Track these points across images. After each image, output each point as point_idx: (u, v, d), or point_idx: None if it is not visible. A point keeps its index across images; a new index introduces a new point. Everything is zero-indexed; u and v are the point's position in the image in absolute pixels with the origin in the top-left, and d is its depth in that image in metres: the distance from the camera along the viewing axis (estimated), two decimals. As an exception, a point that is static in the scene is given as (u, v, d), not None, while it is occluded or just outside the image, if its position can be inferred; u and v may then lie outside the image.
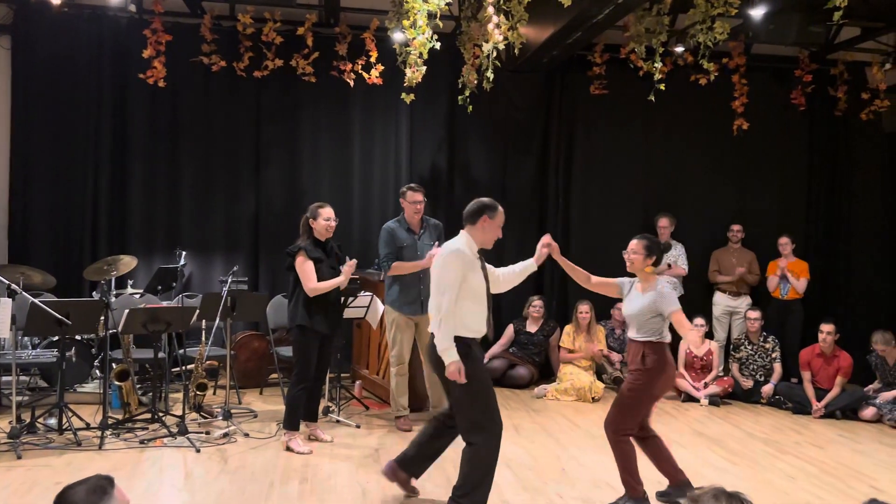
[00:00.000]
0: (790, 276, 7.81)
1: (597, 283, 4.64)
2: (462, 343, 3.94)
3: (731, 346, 7.70)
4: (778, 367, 7.32)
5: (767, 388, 7.21)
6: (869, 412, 6.75)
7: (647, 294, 4.32)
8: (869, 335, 7.04)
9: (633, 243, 4.41)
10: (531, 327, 7.73)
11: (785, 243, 7.88)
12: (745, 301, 7.93)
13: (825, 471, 5.24)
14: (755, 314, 7.41)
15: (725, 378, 7.37)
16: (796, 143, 8.60)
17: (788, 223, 8.42)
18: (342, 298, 5.60)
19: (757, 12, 6.42)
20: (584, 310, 7.48)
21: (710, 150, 8.40)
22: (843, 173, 8.65)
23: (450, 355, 3.89)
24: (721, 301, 8.03)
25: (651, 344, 4.29)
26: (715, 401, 7.17)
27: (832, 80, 8.42)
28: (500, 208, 4.30)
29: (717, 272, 8.07)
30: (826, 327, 6.99)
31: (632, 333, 4.41)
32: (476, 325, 4.06)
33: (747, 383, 7.30)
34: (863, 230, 8.66)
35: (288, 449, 5.21)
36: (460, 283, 3.97)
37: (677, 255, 7.99)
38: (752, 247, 8.15)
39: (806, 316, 7.95)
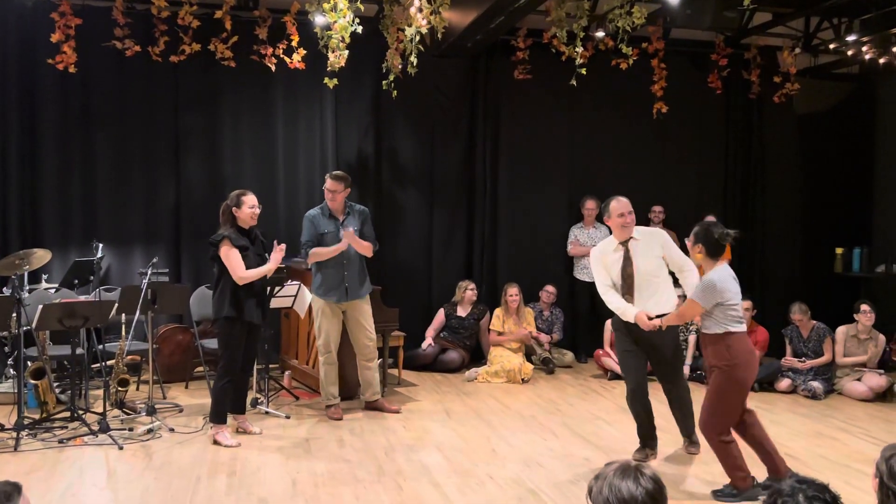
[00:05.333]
0: None
1: None
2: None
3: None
4: (693, 339, 7.54)
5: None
6: (784, 384, 7.03)
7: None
8: (783, 311, 7.33)
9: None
10: (461, 311, 7.77)
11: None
12: (668, 280, 8.15)
13: (744, 442, 5.43)
14: (677, 291, 7.63)
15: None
16: (714, 126, 8.86)
17: (707, 203, 8.68)
18: (269, 288, 5.51)
19: (673, -3, 6.55)
20: (512, 293, 7.56)
21: (631, 133, 8.56)
22: (757, 154, 8.95)
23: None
24: (644, 281, 8.22)
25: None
26: (640, 378, 7.36)
27: (746, 64, 8.68)
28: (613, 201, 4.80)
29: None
30: (744, 303, 7.21)
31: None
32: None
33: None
34: (776, 209, 8.99)
35: (215, 443, 5.12)
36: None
37: (602, 237, 8.12)
38: (673, 227, 8.36)
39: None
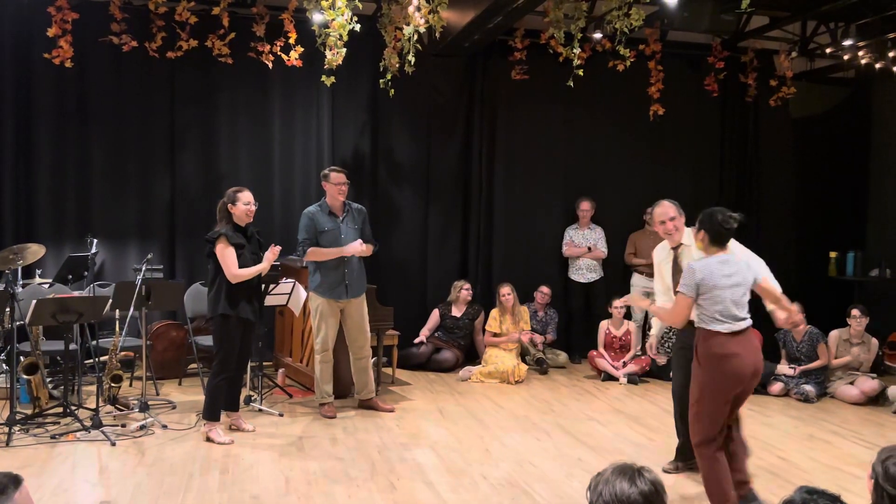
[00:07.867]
0: None
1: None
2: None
3: (647, 326, 7.93)
4: None
5: None
6: (776, 387, 7.05)
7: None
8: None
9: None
10: (456, 311, 7.77)
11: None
12: (662, 282, 8.16)
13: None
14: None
15: (643, 357, 7.57)
16: (709, 128, 8.87)
17: (702, 206, 8.56)
18: (263, 285, 5.50)
19: (671, 0, 6.56)
20: (504, 292, 7.57)
21: (627, 135, 8.57)
22: (752, 157, 8.97)
23: None
24: (639, 282, 8.23)
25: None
26: (633, 379, 7.38)
27: (743, 67, 8.69)
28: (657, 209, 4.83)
29: (633, 254, 8.27)
30: (737, 306, 7.24)
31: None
32: None
33: (661, 360, 7.54)
34: (771, 212, 8.99)
35: (208, 440, 5.11)
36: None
37: (597, 238, 8.19)
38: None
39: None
